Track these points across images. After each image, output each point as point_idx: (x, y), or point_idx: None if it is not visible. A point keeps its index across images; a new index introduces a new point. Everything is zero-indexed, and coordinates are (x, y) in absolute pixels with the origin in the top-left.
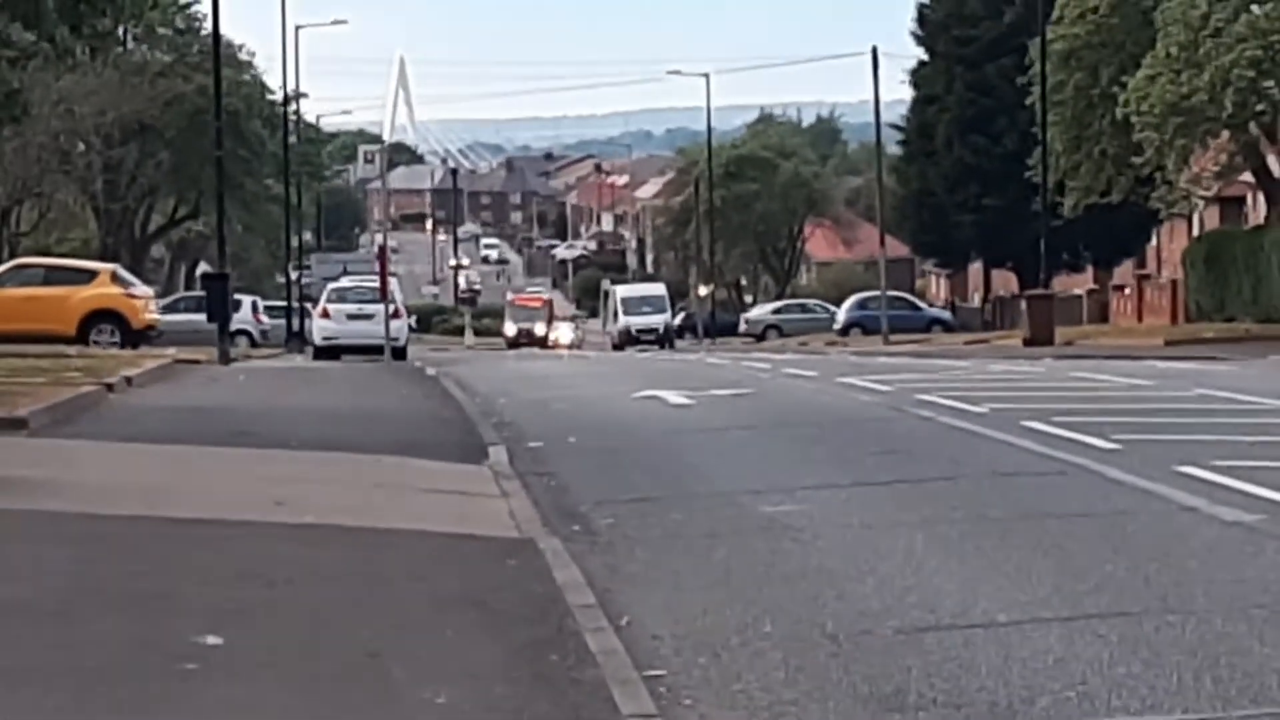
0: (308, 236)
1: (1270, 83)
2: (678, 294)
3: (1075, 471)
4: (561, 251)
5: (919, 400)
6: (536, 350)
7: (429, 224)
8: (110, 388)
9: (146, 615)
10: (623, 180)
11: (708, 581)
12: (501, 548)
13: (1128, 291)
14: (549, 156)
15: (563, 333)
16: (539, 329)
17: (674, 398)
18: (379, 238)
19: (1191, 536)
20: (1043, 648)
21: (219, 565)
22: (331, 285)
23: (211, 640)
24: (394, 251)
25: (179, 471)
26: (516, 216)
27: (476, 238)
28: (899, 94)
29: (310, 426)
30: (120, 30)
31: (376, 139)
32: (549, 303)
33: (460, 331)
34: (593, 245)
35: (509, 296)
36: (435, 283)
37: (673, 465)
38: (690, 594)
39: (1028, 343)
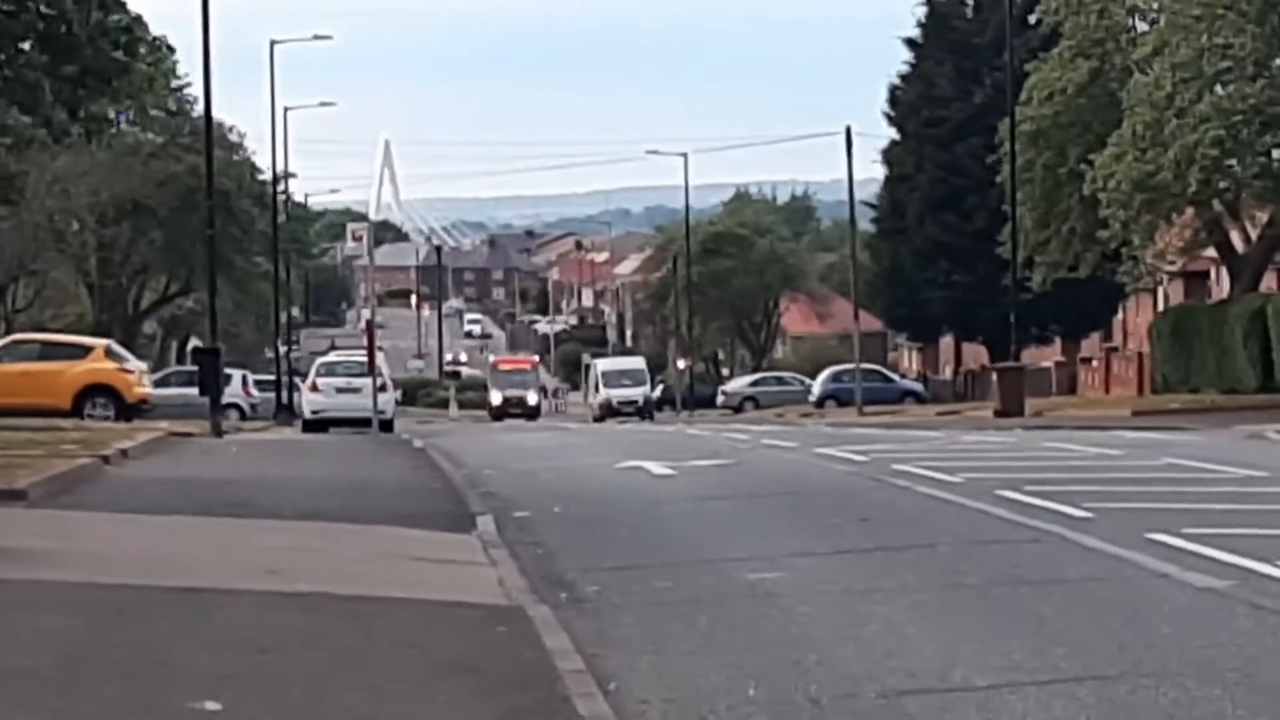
0: (296, 312)
1: (1233, 161)
2: (656, 367)
3: (1049, 539)
4: (543, 326)
5: (895, 470)
6: (527, 423)
7: (414, 300)
8: (106, 460)
9: (147, 682)
10: (602, 257)
11: (693, 647)
12: (491, 615)
13: (1095, 364)
14: (530, 234)
15: (530, 395)
16: (530, 397)
17: (657, 468)
18: (365, 313)
19: (1164, 602)
20: (1021, 711)
21: (215, 633)
22: (320, 360)
23: (211, 706)
24: (380, 327)
25: (175, 541)
26: (499, 292)
27: (460, 313)
28: (871, 173)
29: (302, 497)
30: (113, 113)
31: (362, 217)
32: (538, 365)
33: (445, 404)
34: (574, 320)
35: (492, 359)
36: (420, 357)
37: (657, 534)
38: (676, 659)
39: (999, 414)
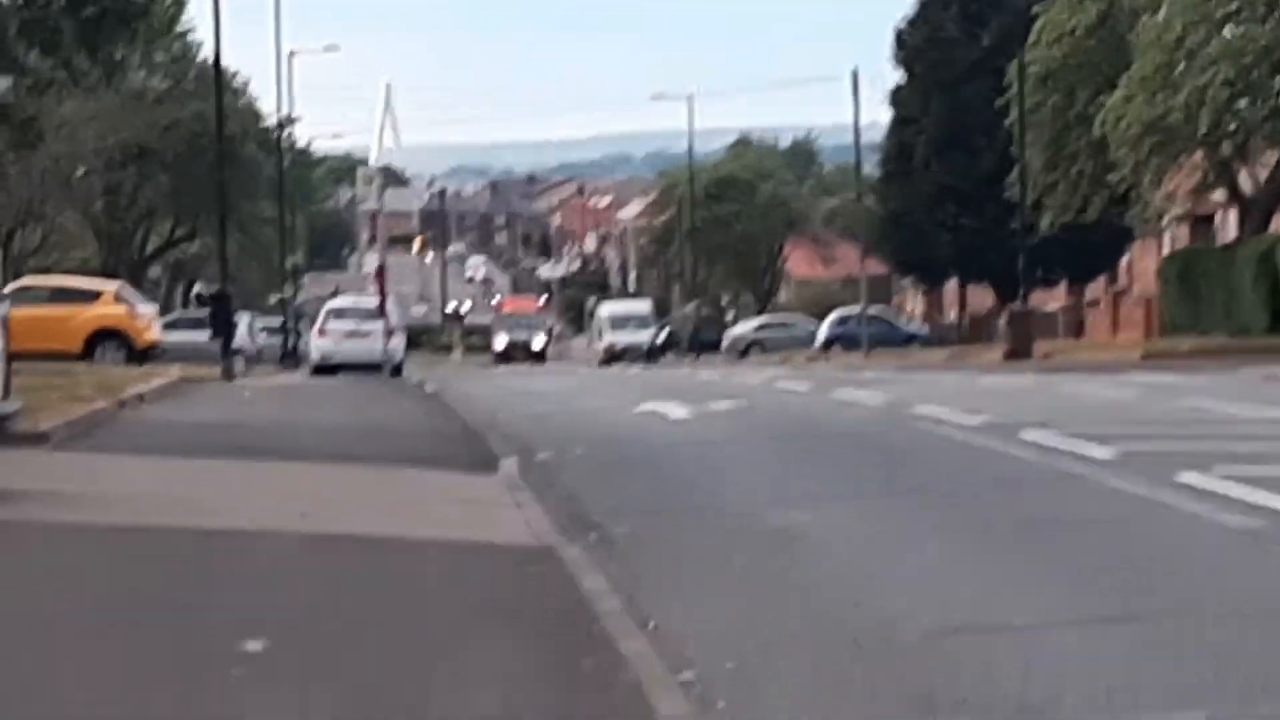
0: (299, 258)
1: (1243, 102)
2: (660, 311)
3: (1076, 480)
4: (546, 271)
5: (914, 413)
6: (533, 367)
7: (416, 245)
8: (123, 404)
9: (186, 623)
10: (605, 202)
11: (726, 589)
12: (523, 556)
13: (1102, 307)
14: (532, 179)
15: (535, 338)
16: (536, 341)
17: (673, 412)
18: (369, 259)
19: (1197, 542)
20: (1062, 650)
21: (251, 575)
22: (328, 305)
23: (253, 647)
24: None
25: (201, 484)
26: (502, 238)
27: (462, 258)
28: (874, 116)
29: (322, 440)
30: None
31: (364, 162)
32: (544, 308)
33: (449, 349)
34: (576, 265)
35: (496, 300)
36: (424, 301)
37: (680, 477)
38: (711, 600)
39: (1008, 357)
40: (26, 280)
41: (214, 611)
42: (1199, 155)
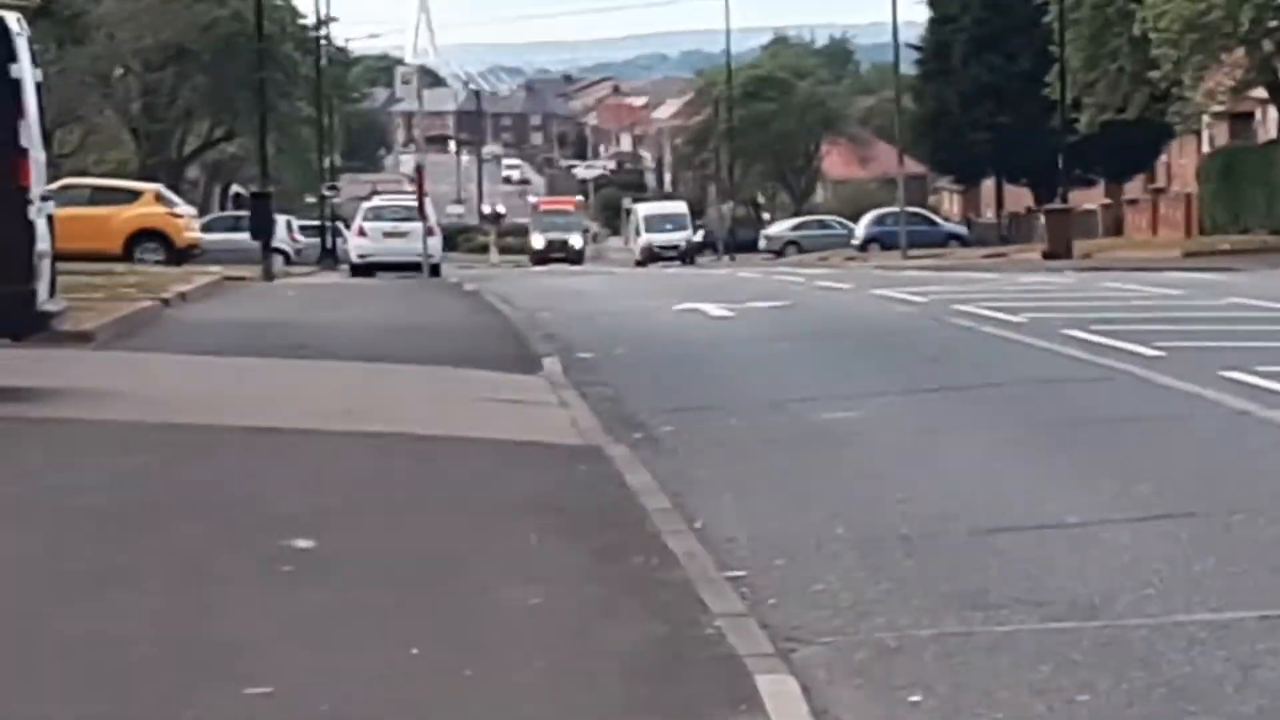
0: (336, 158)
1: None
2: (696, 212)
3: (1122, 378)
4: (582, 171)
5: (956, 310)
6: (570, 267)
7: (452, 145)
8: (166, 303)
9: (233, 520)
10: (640, 102)
11: (773, 486)
12: (568, 454)
13: (1141, 205)
14: (568, 79)
15: (573, 237)
16: (575, 240)
17: (714, 310)
18: (405, 159)
19: (1248, 439)
20: (1115, 547)
21: (296, 472)
22: (366, 204)
23: (302, 544)
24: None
25: (245, 382)
26: (537, 138)
27: (498, 159)
28: (912, 15)
29: (365, 339)
30: None
31: (399, 62)
32: (582, 206)
33: (485, 250)
34: (612, 165)
35: (532, 200)
36: (459, 202)
37: (724, 375)
38: (758, 498)
39: (1047, 256)
40: (66, 180)
41: (259, 508)
42: (1239, 53)
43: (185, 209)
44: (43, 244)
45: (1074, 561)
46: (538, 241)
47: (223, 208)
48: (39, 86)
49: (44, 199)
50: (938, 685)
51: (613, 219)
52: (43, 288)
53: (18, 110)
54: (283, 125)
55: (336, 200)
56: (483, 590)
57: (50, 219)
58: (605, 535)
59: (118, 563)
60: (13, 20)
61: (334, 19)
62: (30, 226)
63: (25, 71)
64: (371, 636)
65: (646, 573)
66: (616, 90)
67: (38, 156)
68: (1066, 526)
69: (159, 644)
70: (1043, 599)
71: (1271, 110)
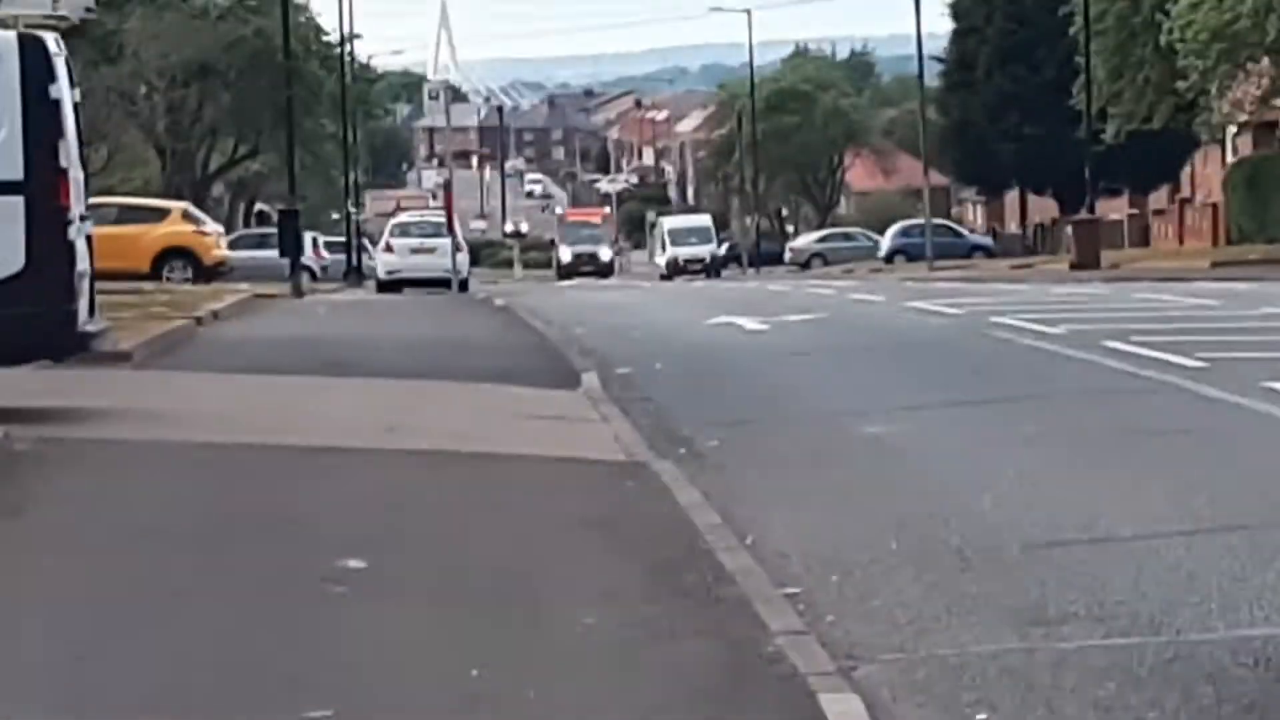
0: (360, 174)
1: None
2: (720, 225)
3: (1166, 389)
4: (604, 185)
5: (993, 323)
6: (597, 280)
7: (475, 160)
8: (199, 321)
9: (284, 540)
10: (662, 115)
11: (823, 501)
12: (615, 471)
13: (1167, 215)
14: (589, 93)
15: (602, 250)
16: (603, 253)
17: (749, 324)
18: (428, 174)
19: None
20: (1172, 561)
21: (344, 491)
22: (393, 220)
23: (354, 564)
24: (443, 187)
25: (286, 401)
26: (559, 152)
27: (521, 173)
28: (934, 27)
29: (401, 355)
30: None
31: (421, 78)
32: (609, 218)
33: (509, 264)
34: (635, 179)
35: (559, 211)
36: (482, 217)
37: (764, 388)
38: (809, 513)
39: (1075, 267)
40: (94, 200)
41: (310, 528)
42: (1265, 62)
43: (212, 226)
44: (82, 264)
45: (1131, 575)
46: (565, 255)
47: (247, 225)
48: (76, 106)
49: (83, 218)
50: (1003, 703)
51: (635, 232)
52: (83, 307)
53: (58, 130)
54: (307, 142)
55: (362, 217)
56: (539, 610)
57: (89, 239)
58: (658, 552)
59: (173, 584)
60: (51, 41)
61: (359, 36)
62: (70, 246)
63: (64, 91)
64: (430, 658)
65: (701, 590)
66: (638, 104)
67: (76, 176)
68: (1122, 540)
69: (217, 667)
70: (1103, 614)
71: None
